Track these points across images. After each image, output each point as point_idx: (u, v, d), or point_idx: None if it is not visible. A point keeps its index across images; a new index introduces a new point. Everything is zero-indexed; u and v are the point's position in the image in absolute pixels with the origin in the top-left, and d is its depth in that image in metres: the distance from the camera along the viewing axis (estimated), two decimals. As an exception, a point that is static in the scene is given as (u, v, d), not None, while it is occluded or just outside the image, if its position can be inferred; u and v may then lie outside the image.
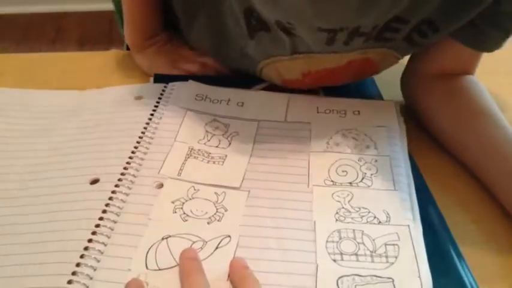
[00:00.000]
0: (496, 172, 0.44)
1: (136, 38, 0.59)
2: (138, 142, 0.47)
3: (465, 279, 0.37)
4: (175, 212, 0.40)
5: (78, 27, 1.99)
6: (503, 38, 0.46)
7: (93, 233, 0.38)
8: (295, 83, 0.53)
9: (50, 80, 0.58)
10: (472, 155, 0.46)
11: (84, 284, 0.34)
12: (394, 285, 0.35)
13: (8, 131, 0.50)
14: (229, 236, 0.38)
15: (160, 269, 0.36)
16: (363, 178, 0.44)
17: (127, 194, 0.42)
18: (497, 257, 0.39)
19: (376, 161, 0.45)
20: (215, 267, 0.36)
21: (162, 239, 0.38)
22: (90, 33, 1.94)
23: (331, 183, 0.43)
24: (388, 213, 0.40)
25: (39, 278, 0.35)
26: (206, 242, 0.38)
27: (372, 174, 0.44)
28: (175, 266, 0.36)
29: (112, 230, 0.39)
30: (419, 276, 0.35)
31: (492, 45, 0.47)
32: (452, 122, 0.48)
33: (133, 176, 0.43)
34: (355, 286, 0.35)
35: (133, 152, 0.46)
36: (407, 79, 0.54)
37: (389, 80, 0.56)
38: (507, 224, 0.42)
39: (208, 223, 0.40)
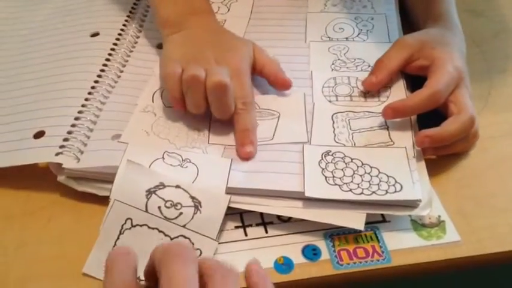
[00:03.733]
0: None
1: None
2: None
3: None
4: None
5: None
6: None
7: (99, 76, 0.39)
8: None
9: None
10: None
11: (94, 114, 0.37)
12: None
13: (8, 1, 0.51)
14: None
15: (166, 106, 0.38)
16: (359, 33, 0.45)
17: (130, 50, 0.43)
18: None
19: (372, 18, 0.46)
20: None
21: (166, 83, 0.40)
22: None
23: (328, 39, 0.44)
24: (382, 62, 0.42)
25: (52, 109, 0.37)
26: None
27: (367, 30, 0.45)
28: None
29: (118, 76, 0.40)
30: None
31: None
32: None
33: (136, 33, 0.45)
34: (349, 120, 0.37)
35: (131, 12, 0.46)
36: None
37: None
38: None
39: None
